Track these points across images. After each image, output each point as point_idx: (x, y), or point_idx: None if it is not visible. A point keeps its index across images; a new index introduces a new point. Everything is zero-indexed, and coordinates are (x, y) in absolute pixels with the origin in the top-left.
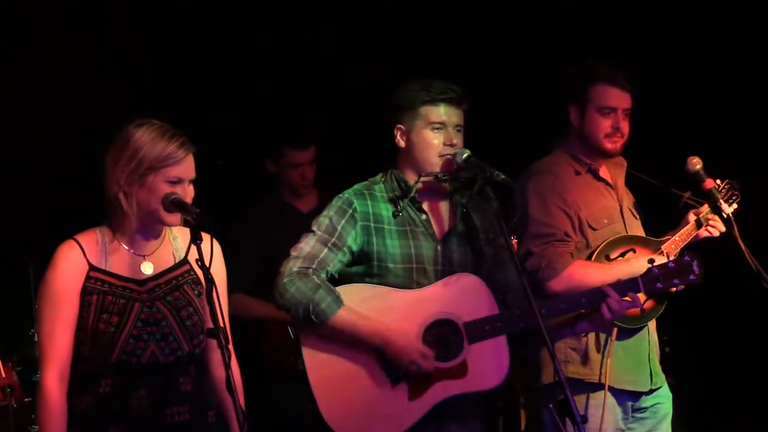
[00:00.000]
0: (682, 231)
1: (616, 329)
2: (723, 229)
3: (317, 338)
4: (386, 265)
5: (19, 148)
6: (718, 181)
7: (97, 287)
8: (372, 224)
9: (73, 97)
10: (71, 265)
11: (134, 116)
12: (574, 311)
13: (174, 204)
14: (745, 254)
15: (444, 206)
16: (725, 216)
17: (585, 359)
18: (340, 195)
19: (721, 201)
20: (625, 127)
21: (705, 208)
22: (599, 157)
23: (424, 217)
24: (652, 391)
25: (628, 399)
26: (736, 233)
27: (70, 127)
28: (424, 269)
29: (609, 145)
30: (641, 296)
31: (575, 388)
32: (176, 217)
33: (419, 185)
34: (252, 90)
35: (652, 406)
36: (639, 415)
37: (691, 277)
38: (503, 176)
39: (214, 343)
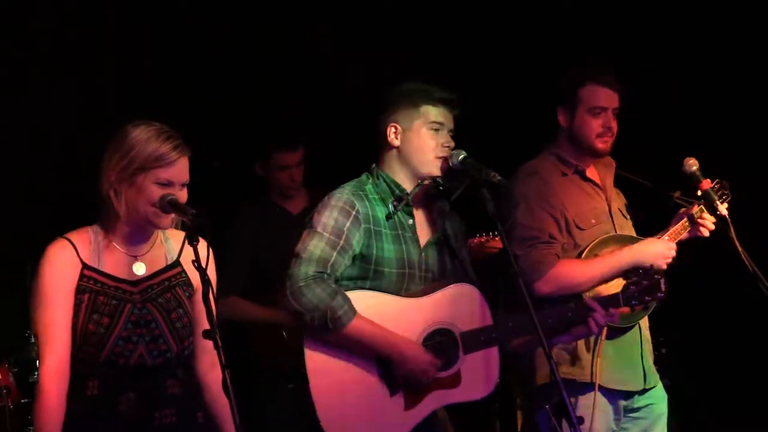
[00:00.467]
0: (671, 230)
1: (606, 328)
2: (713, 228)
3: (321, 344)
4: (382, 270)
5: (19, 148)
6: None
7: (90, 286)
8: (372, 227)
9: (73, 97)
10: (65, 263)
11: (134, 116)
12: (563, 324)
13: (170, 205)
14: (741, 255)
15: (427, 212)
16: (721, 216)
17: (575, 359)
18: (338, 194)
19: (718, 202)
20: (614, 126)
21: (695, 208)
22: (589, 157)
23: (411, 222)
24: (645, 390)
25: (620, 399)
26: (732, 234)
27: (70, 127)
28: (413, 275)
29: (600, 145)
30: (623, 310)
31: (566, 388)
32: (167, 220)
33: (416, 190)
34: (252, 90)
35: (645, 406)
36: (633, 416)
37: (659, 294)
38: (499, 177)
39: (203, 345)
